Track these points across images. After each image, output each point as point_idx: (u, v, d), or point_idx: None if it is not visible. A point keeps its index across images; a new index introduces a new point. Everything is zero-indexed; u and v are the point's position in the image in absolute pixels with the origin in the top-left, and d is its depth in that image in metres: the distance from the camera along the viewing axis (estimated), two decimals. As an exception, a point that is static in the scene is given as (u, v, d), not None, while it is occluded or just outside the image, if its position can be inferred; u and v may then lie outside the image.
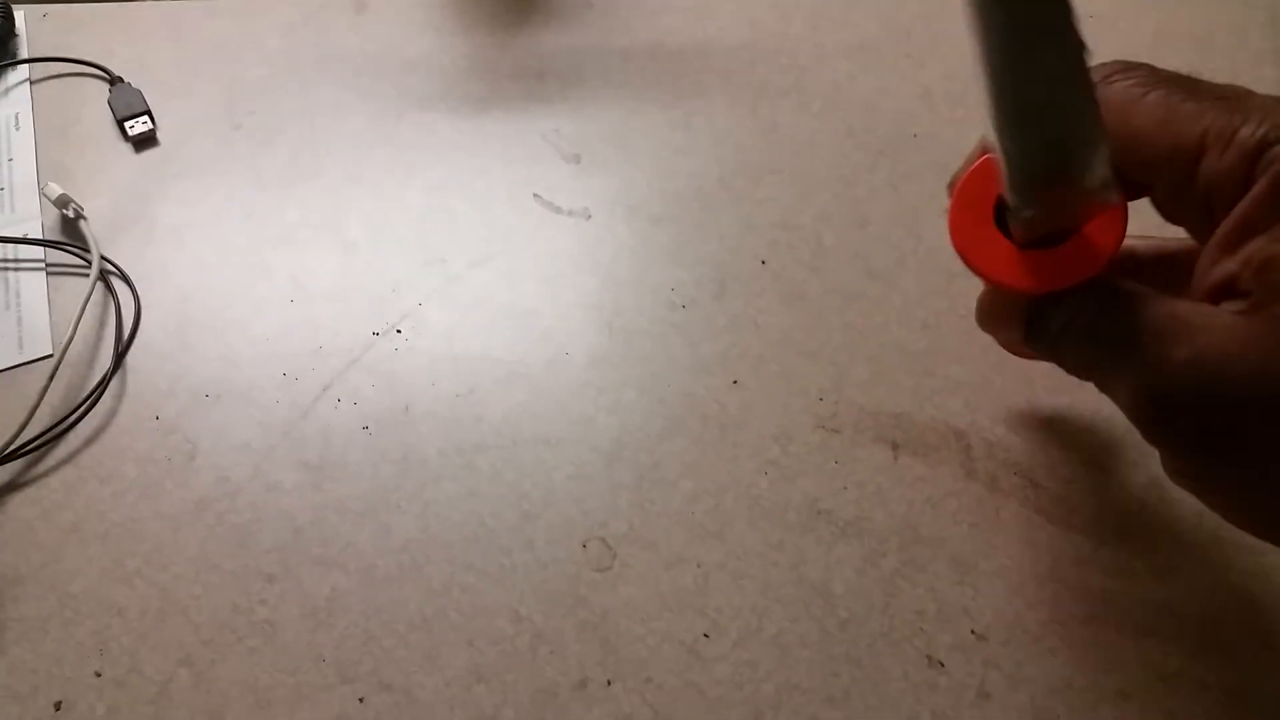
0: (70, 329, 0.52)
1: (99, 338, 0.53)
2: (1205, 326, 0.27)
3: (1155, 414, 0.28)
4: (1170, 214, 0.31)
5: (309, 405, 0.50)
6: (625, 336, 0.51)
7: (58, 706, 0.41)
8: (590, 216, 0.57)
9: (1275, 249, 0.26)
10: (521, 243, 0.56)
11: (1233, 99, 0.27)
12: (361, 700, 0.41)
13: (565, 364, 0.51)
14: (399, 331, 0.52)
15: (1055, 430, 0.47)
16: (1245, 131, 0.26)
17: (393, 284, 0.54)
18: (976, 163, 0.35)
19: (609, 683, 0.41)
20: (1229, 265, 0.27)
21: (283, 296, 0.54)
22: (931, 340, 0.50)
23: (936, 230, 0.55)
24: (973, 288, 0.52)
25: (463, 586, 0.44)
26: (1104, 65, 0.31)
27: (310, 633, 0.43)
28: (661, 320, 0.52)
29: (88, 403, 0.50)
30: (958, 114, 0.61)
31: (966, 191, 0.35)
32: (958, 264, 0.56)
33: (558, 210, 0.57)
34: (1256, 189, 0.26)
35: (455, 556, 0.45)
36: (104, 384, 0.51)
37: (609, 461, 0.47)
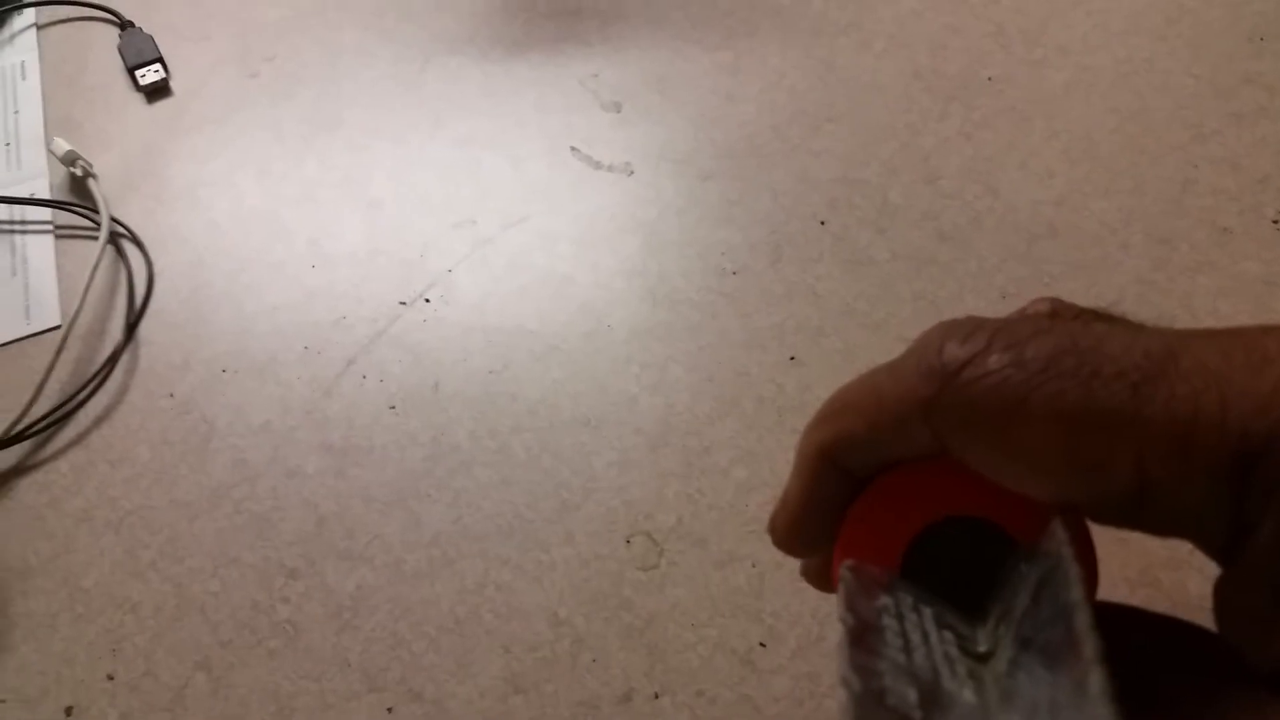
0: (79, 297, 0.48)
1: (109, 306, 0.50)
2: None
3: None
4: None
5: (332, 382, 0.46)
6: (670, 306, 0.47)
7: (69, 712, 0.39)
8: (632, 172, 0.52)
9: None
10: (558, 201, 0.51)
11: (1160, 377, 0.16)
12: (390, 710, 0.38)
13: (605, 337, 0.46)
14: (427, 301, 0.48)
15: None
16: (1205, 436, 0.16)
17: (420, 248, 0.50)
18: (845, 534, 0.22)
19: (656, 695, 0.38)
20: None
21: (302, 261, 0.50)
22: (1011, 311, 0.45)
23: (1015, 185, 0.50)
24: (1057, 252, 0.48)
25: (497, 584, 0.40)
26: (934, 345, 0.19)
27: (335, 634, 0.40)
28: (710, 288, 0.48)
29: (98, 378, 0.47)
30: (1035, 54, 0.55)
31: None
32: (1041, 223, 0.51)
33: (597, 165, 0.53)
34: (1267, 535, 0.16)
35: (489, 550, 0.41)
36: (115, 358, 0.48)
37: (654, 446, 0.43)
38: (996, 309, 0.46)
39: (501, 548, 0.41)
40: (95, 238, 0.51)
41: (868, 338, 0.45)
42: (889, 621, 0.19)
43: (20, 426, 0.45)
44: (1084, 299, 0.46)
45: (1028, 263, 0.47)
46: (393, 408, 0.45)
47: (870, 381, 0.20)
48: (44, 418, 0.46)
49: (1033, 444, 0.17)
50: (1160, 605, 0.19)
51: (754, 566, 0.40)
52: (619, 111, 0.54)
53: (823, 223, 0.49)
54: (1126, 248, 0.47)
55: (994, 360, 0.17)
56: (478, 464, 0.43)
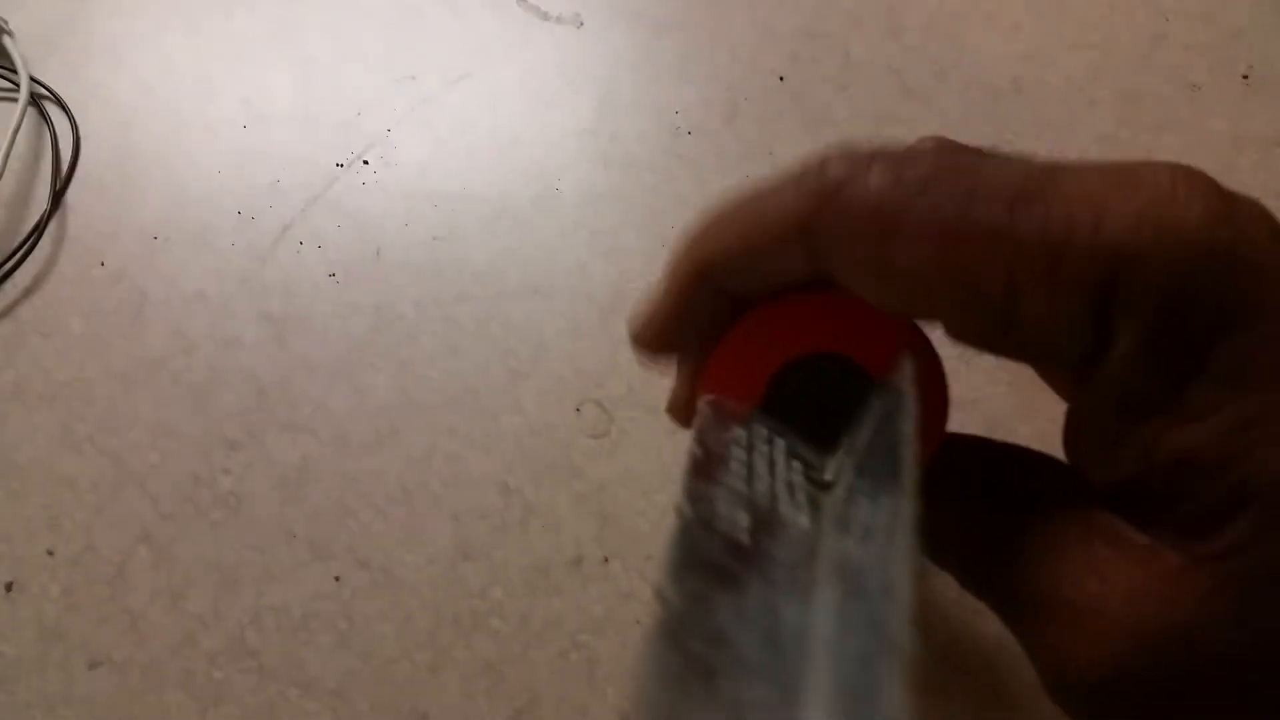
0: (-1, 162, 0.46)
1: (33, 173, 0.47)
2: (1134, 591, 0.17)
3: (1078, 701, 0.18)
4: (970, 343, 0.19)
5: (268, 249, 0.44)
6: (623, 168, 0.45)
7: (9, 587, 0.38)
8: (583, 24, 0.49)
9: (1190, 437, 0.16)
10: (504, 56, 0.49)
11: (1038, 195, 0.16)
12: (337, 579, 0.38)
13: (555, 201, 0.45)
14: (366, 163, 0.46)
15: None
16: (1077, 251, 0.16)
17: (357, 106, 0.47)
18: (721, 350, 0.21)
19: (606, 560, 0.38)
20: (1124, 462, 0.17)
21: (234, 122, 0.47)
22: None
23: (981, 39, 0.48)
24: (1022, 109, 0.46)
25: (446, 455, 0.40)
26: (815, 165, 0.18)
27: (279, 506, 0.39)
28: (665, 149, 0.46)
29: (24, 248, 0.45)
30: (1011, -104, 0.52)
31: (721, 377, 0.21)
32: (1006, 79, 0.49)
33: (545, 16, 0.50)
34: (1123, 348, 0.16)
35: (436, 421, 0.40)
36: (42, 226, 0.45)
37: (605, 314, 0.42)
38: (958, 168, 0.44)
39: (449, 417, 0.40)
40: (14, 99, 0.48)
41: (825, 199, 0.44)
42: (738, 452, 0.19)
43: (-57, 298, 0.43)
44: (1048, 156, 0.44)
45: (992, 120, 0.45)
46: (332, 275, 0.43)
47: (751, 200, 0.20)
48: (-32, 289, 0.44)
49: (906, 260, 0.17)
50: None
51: (705, 433, 0.39)
52: (568, -40, 0.51)
53: (781, 79, 0.47)
54: (1093, 104, 0.46)
55: (873, 179, 0.17)
56: (423, 333, 0.42)
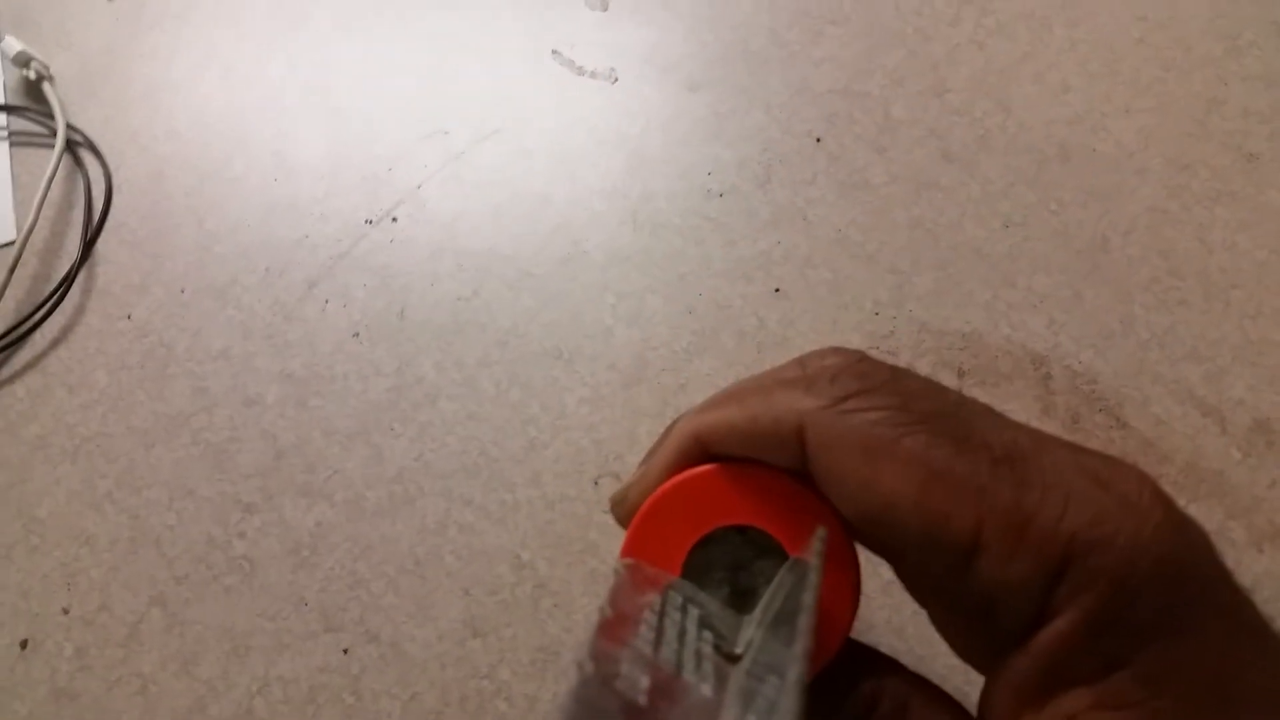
0: (34, 210, 0.46)
1: (66, 220, 0.48)
2: None
3: None
4: (923, 600, 0.20)
5: (293, 306, 0.44)
6: (652, 231, 0.44)
7: (24, 645, 0.38)
8: (617, 80, 0.49)
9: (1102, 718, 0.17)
10: (536, 111, 0.48)
11: (1019, 462, 0.18)
12: (346, 651, 0.37)
13: (582, 262, 0.44)
14: (394, 220, 0.46)
15: (1152, 359, 0.40)
16: (1042, 525, 0.17)
17: (388, 161, 0.47)
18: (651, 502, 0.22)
19: (618, 643, 0.37)
20: None
21: (265, 174, 0.47)
22: (1014, 242, 0.43)
23: (1028, 101, 0.46)
24: (1068, 176, 0.44)
25: (460, 525, 0.39)
26: (829, 370, 0.20)
27: (292, 572, 0.39)
28: (695, 211, 0.45)
29: (55, 298, 0.45)
30: (1063, -51, 0.51)
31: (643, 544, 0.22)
32: (1053, 145, 0.47)
33: (580, 71, 0.49)
34: (1065, 623, 0.17)
35: (452, 489, 0.40)
36: (72, 276, 0.46)
37: (628, 383, 0.41)
38: (997, 238, 0.43)
39: (465, 486, 0.40)
40: (51, 145, 0.48)
41: (857, 269, 0.42)
42: (649, 617, 0.19)
43: (-26, 348, 0.44)
44: (1094, 229, 0.43)
45: (1036, 188, 0.44)
46: (356, 335, 0.43)
47: (761, 381, 0.21)
48: (1, 338, 0.44)
49: (890, 482, 0.18)
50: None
51: (724, 513, 0.38)
52: (605, 10, 0.50)
53: (818, 140, 0.46)
54: (1142, 173, 0.44)
55: (880, 400, 0.19)
56: (443, 397, 0.42)
